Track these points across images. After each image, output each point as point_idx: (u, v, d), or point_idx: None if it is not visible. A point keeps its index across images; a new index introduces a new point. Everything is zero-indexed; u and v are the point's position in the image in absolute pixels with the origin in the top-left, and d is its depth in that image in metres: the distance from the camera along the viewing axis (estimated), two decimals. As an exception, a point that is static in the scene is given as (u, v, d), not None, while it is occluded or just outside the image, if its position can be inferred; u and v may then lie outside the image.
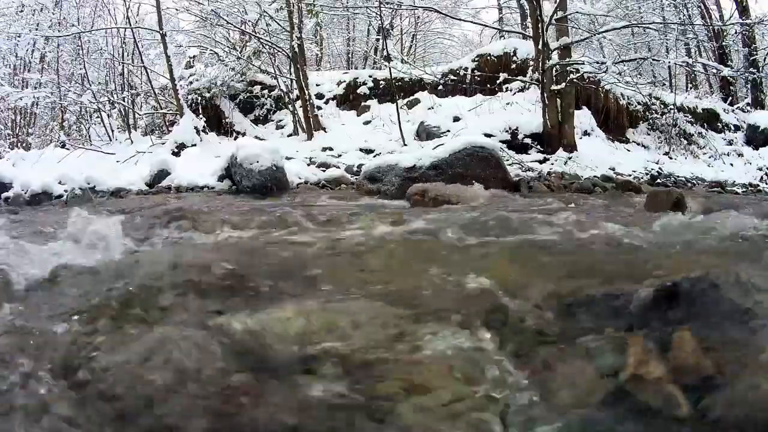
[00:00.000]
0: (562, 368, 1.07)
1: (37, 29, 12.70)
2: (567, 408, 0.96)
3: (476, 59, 11.29)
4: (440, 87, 11.15)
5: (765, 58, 13.16)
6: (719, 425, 0.89)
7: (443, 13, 12.85)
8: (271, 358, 1.16)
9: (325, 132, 10.31)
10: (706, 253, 1.93)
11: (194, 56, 11.95)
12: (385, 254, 2.15)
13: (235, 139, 9.60)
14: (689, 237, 2.22)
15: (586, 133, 9.49)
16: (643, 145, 10.30)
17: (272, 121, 11.57)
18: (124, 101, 11.71)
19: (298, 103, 10.62)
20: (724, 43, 13.07)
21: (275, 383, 1.07)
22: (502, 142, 8.45)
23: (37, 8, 13.07)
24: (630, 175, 8.28)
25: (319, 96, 11.50)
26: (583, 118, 9.53)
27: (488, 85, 10.45)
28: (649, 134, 10.74)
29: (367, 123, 10.63)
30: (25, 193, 5.73)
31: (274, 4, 11.33)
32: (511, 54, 10.88)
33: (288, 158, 7.54)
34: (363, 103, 11.42)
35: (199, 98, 10.91)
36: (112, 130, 11.52)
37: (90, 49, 13.13)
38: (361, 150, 9.28)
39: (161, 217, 3.55)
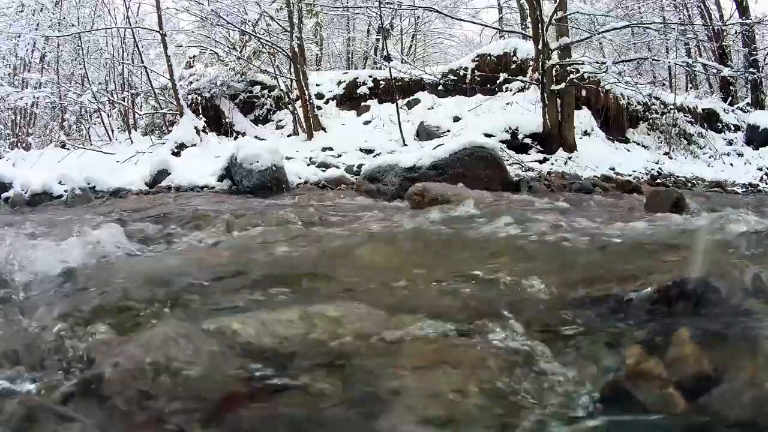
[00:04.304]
0: (561, 367, 1.07)
1: (37, 29, 12.70)
2: (565, 407, 0.96)
3: (476, 59, 11.30)
4: (440, 87, 11.15)
5: (765, 58, 13.15)
6: (718, 425, 0.89)
7: (443, 13, 12.87)
8: (272, 358, 1.16)
9: (325, 132, 10.31)
10: (706, 253, 1.93)
11: (194, 56, 11.95)
12: (386, 254, 2.15)
13: (235, 139, 9.60)
14: (689, 237, 2.22)
15: (586, 133, 9.49)
16: (643, 145, 10.31)
17: (272, 121, 11.57)
18: (124, 101, 11.71)
19: (298, 103, 10.63)
20: (724, 43, 13.07)
21: (276, 384, 1.07)
22: (502, 142, 8.46)
23: (37, 8, 13.07)
24: (630, 175, 8.29)
25: (319, 96, 11.51)
26: (583, 118, 9.53)
27: (488, 85, 10.46)
28: (649, 134, 10.74)
29: (367, 123, 10.64)
30: (25, 193, 5.74)
31: (274, 4, 11.34)
32: (511, 54, 10.88)
33: (288, 158, 7.55)
34: (363, 103, 11.43)
35: (199, 98, 10.91)
36: (112, 130, 11.53)
37: (90, 49, 13.14)
38: (361, 150, 9.29)
39: (161, 217, 3.56)
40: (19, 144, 12.00)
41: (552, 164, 8.24)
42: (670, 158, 9.93)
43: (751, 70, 12.39)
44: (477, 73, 10.72)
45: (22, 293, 1.65)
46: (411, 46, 20.03)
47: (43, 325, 1.34)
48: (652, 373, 0.98)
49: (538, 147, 8.85)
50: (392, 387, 1.03)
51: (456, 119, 9.71)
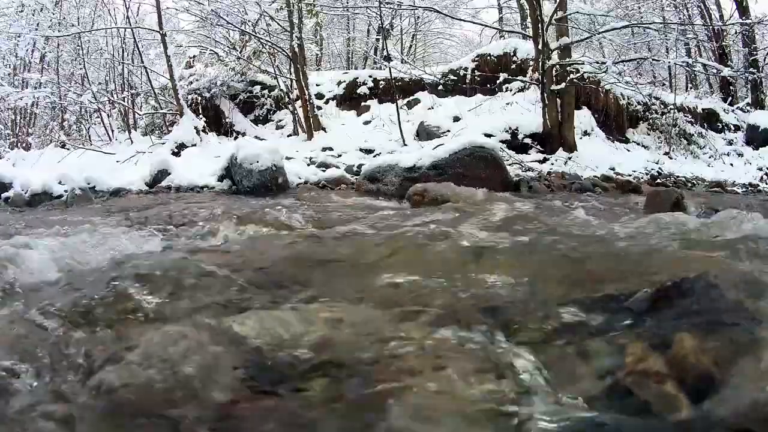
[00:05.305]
0: (562, 367, 1.07)
1: (37, 29, 12.69)
2: (565, 406, 0.96)
3: (476, 59, 11.29)
4: (440, 87, 11.15)
5: (765, 58, 13.15)
6: (718, 424, 0.89)
7: (443, 13, 12.85)
8: (272, 359, 1.16)
9: (325, 132, 10.31)
10: (706, 253, 1.93)
11: (194, 56, 11.94)
12: (386, 254, 2.15)
13: (235, 139, 9.59)
14: (689, 237, 2.22)
15: (586, 133, 9.49)
16: (643, 145, 10.30)
17: (272, 121, 11.56)
18: (124, 101, 11.71)
19: (298, 103, 10.63)
20: (724, 43, 13.07)
21: (276, 385, 1.07)
22: (502, 142, 8.46)
23: (37, 8, 13.07)
24: (630, 175, 8.29)
25: (319, 96, 11.50)
26: (583, 118, 9.53)
27: (488, 85, 10.46)
28: (649, 134, 10.74)
29: (367, 123, 10.63)
30: (25, 193, 5.73)
31: (274, 4, 11.33)
32: (511, 54, 10.88)
33: (288, 158, 7.54)
34: (363, 103, 11.42)
35: (199, 98, 10.90)
36: (112, 130, 11.52)
37: (90, 49, 13.13)
38: (361, 150, 9.28)
39: (161, 217, 3.55)
40: (19, 144, 12.00)
41: (552, 164, 8.23)
42: (670, 158, 9.92)
43: (751, 70, 12.38)
44: (477, 73, 10.71)
45: (22, 294, 1.65)
46: (411, 46, 20.03)
47: (45, 327, 1.34)
48: (652, 372, 0.98)
49: (538, 147, 8.84)
50: (391, 387, 1.03)
51: (456, 119, 9.70)
